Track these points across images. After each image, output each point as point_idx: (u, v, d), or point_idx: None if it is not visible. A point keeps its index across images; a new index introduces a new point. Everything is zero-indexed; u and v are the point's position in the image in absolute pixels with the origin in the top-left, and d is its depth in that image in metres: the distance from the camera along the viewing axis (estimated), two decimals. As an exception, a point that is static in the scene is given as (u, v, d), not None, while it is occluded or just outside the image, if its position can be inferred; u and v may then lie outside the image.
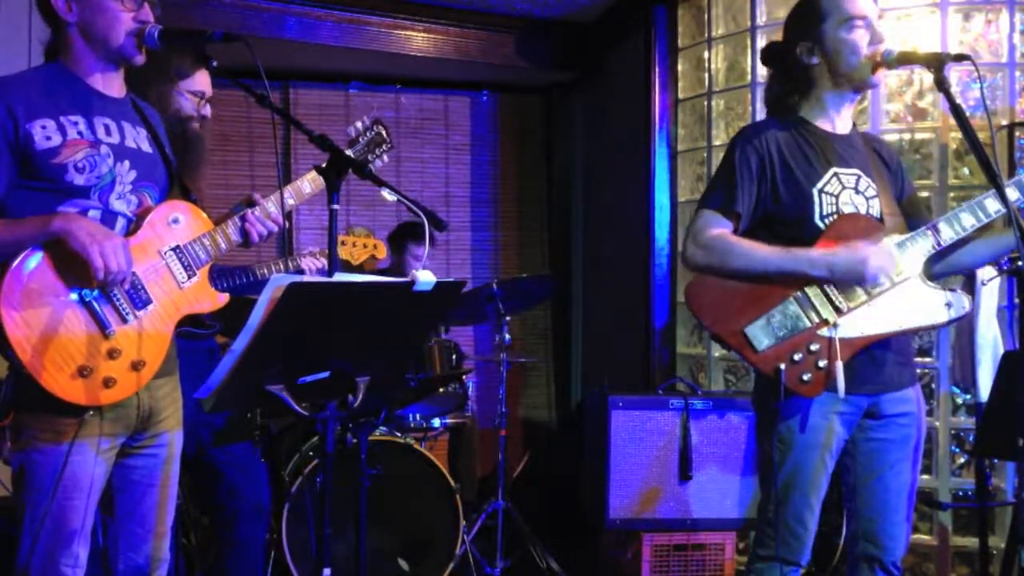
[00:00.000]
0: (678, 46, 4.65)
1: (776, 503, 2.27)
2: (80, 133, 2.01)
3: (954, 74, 3.66)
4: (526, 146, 5.97)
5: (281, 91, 5.42)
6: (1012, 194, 2.22)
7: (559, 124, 5.97)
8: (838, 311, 2.22)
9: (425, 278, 1.82)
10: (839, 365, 2.17)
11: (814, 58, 2.31)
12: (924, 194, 3.80)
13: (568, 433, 5.53)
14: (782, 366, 2.19)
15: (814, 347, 2.20)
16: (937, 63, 2.16)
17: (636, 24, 4.86)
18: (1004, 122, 3.66)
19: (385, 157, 2.47)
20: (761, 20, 4.16)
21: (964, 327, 3.42)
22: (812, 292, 2.22)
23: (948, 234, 2.25)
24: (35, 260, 1.91)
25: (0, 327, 1.85)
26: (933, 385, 3.81)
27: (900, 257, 2.23)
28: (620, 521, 3.69)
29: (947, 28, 3.77)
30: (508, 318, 4.13)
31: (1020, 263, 3.05)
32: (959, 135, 3.38)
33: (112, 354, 1.96)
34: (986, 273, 3.32)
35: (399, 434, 3.81)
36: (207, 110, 2.74)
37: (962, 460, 3.77)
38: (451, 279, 1.94)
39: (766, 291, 2.22)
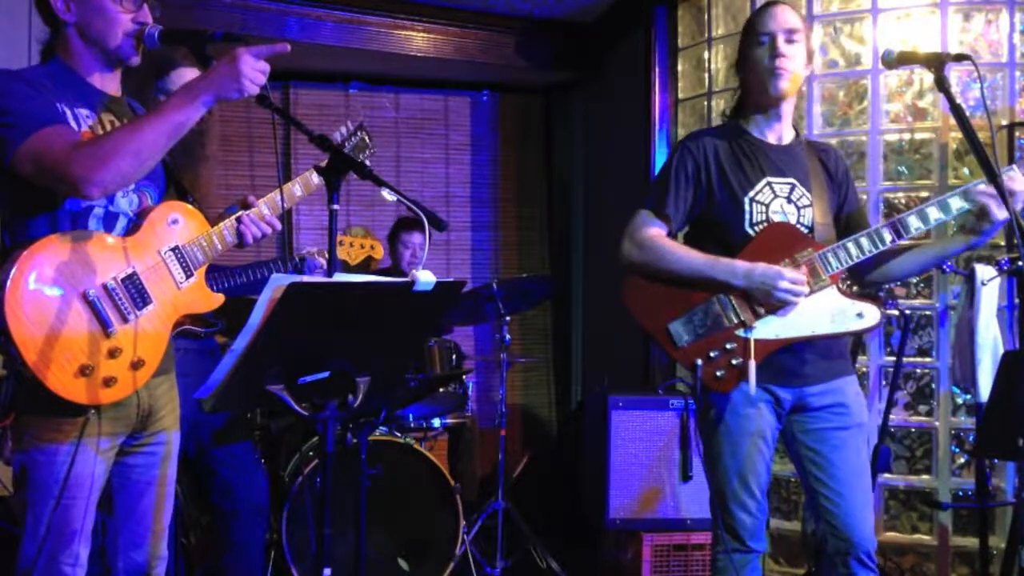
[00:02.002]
0: (678, 46, 4.65)
1: (717, 492, 2.39)
2: (91, 128, 2.00)
3: (954, 74, 3.66)
4: (526, 146, 5.97)
5: (281, 91, 5.42)
6: (956, 203, 2.34)
7: (559, 124, 5.97)
8: (755, 314, 2.33)
9: (425, 278, 1.82)
10: (752, 364, 2.29)
11: (742, 72, 2.49)
12: (924, 194, 3.81)
13: (568, 433, 5.53)
14: (699, 362, 2.33)
15: (730, 346, 2.34)
16: (937, 63, 2.17)
17: (636, 24, 4.86)
18: (1004, 122, 3.66)
19: (368, 162, 2.46)
20: (761, 20, 4.15)
21: (964, 327, 3.42)
22: (733, 295, 2.34)
23: (857, 252, 2.35)
24: (40, 258, 1.90)
25: (4, 325, 1.84)
26: (933, 385, 3.82)
27: (820, 271, 2.34)
28: (620, 521, 3.69)
29: (947, 28, 3.77)
30: (508, 318, 4.13)
31: (1020, 263, 3.06)
32: (959, 135, 3.39)
33: (113, 353, 1.96)
34: (986, 273, 3.33)
35: (399, 434, 3.81)
36: None
37: (962, 460, 3.77)
38: (451, 279, 1.95)
39: (691, 291, 2.36)
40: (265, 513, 3.08)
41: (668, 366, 4.60)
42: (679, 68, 4.66)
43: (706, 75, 4.45)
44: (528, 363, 5.72)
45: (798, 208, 2.40)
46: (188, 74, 2.67)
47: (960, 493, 3.75)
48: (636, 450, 3.69)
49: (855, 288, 2.52)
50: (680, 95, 4.66)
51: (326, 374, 1.87)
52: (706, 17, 4.42)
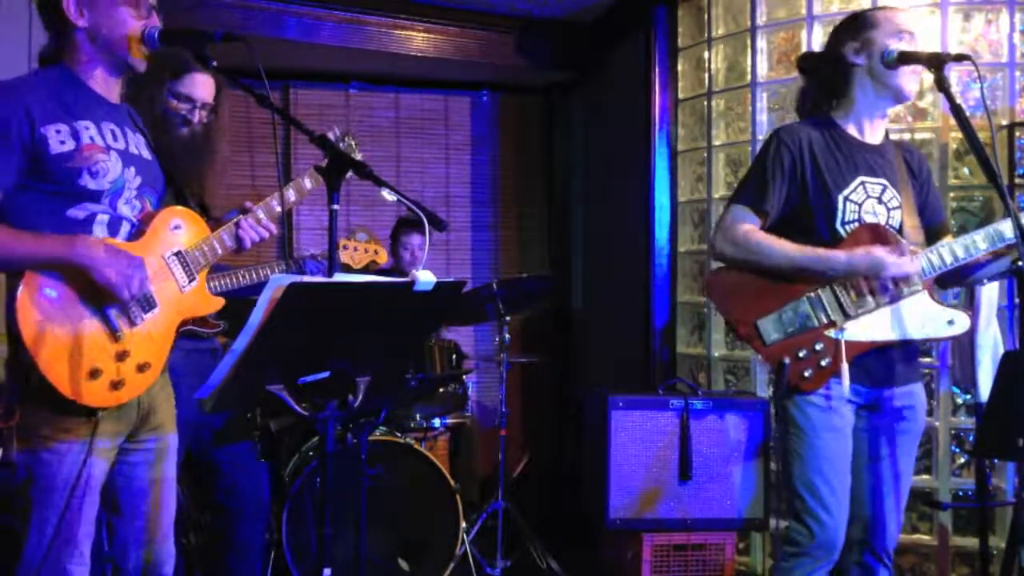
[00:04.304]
0: (678, 46, 4.65)
1: (801, 495, 2.33)
2: (92, 138, 2.02)
3: (954, 74, 3.66)
4: (526, 146, 5.97)
5: (281, 91, 5.42)
6: (1008, 231, 2.31)
7: (559, 124, 5.97)
8: (846, 315, 2.30)
9: (425, 278, 1.83)
10: (845, 367, 2.26)
11: (860, 58, 2.38)
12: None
13: (568, 433, 5.53)
14: (787, 360, 2.30)
15: (819, 346, 2.31)
16: (937, 63, 2.17)
17: (636, 24, 4.86)
18: (1004, 122, 3.66)
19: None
20: (761, 20, 4.16)
21: (964, 327, 3.42)
22: (824, 294, 2.31)
23: (958, 256, 2.33)
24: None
25: (17, 331, 1.87)
26: (933, 385, 3.81)
27: (914, 269, 2.30)
28: (620, 521, 3.69)
29: (947, 28, 3.77)
30: (508, 318, 4.13)
31: (1020, 263, 3.06)
32: (959, 135, 3.38)
33: (120, 356, 2.00)
34: (986, 273, 3.32)
35: (399, 434, 3.81)
36: (195, 115, 2.69)
37: (962, 460, 3.77)
38: (451, 279, 1.95)
39: (781, 288, 2.33)
40: (266, 513, 3.08)
41: (668, 366, 4.60)
42: (679, 68, 4.66)
43: (706, 75, 4.45)
44: (528, 363, 5.72)
45: (888, 210, 2.38)
46: (200, 78, 2.68)
47: (960, 493, 3.75)
48: (636, 450, 3.69)
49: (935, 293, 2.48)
50: (680, 95, 4.66)
51: (326, 374, 1.87)
52: (706, 17, 4.42)
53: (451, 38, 5.10)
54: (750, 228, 2.37)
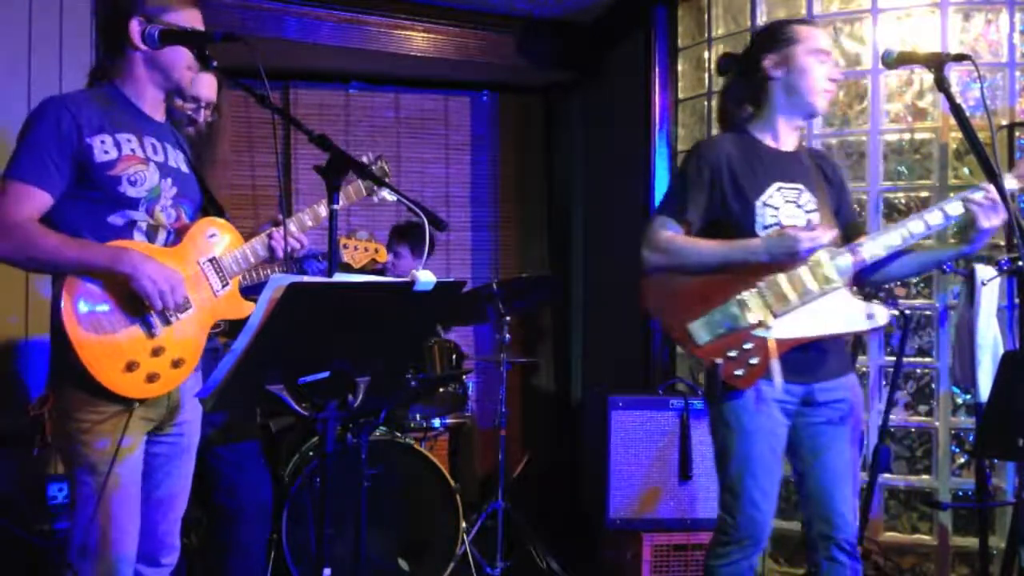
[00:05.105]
0: (678, 46, 4.65)
1: (731, 489, 2.46)
2: (133, 150, 2.17)
3: (954, 74, 3.66)
4: (526, 146, 5.96)
5: (281, 91, 5.41)
6: (955, 208, 2.41)
7: (559, 124, 5.97)
8: (772, 314, 2.40)
9: (425, 278, 1.83)
10: (776, 363, 2.36)
11: (779, 72, 2.50)
12: (924, 194, 3.81)
13: (568, 433, 5.53)
14: (719, 360, 2.40)
15: (748, 345, 2.40)
16: (937, 63, 2.18)
17: (636, 24, 4.86)
18: (1004, 122, 3.66)
19: (385, 194, 2.51)
20: (761, 20, 4.15)
21: (964, 327, 3.43)
22: (750, 296, 2.41)
23: (871, 252, 2.43)
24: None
25: (62, 328, 2.02)
26: (933, 385, 3.81)
27: (830, 266, 2.41)
28: (620, 521, 3.69)
29: (947, 28, 3.77)
30: (508, 318, 4.13)
31: (1020, 263, 3.06)
32: (959, 135, 3.39)
33: (156, 352, 2.14)
34: (986, 273, 3.33)
35: (399, 434, 3.81)
36: (200, 115, 2.75)
37: (962, 460, 3.77)
38: (451, 279, 1.95)
39: (710, 292, 2.44)
40: (268, 513, 3.08)
41: (668, 366, 4.60)
42: (679, 68, 4.66)
43: (706, 75, 4.45)
44: (528, 363, 5.72)
45: (805, 212, 2.48)
46: (206, 78, 2.74)
47: (960, 493, 3.75)
48: (636, 450, 3.69)
49: (853, 288, 2.56)
50: (680, 95, 4.66)
51: (326, 374, 1.88)
52: (706, 17, 4.42)
53: (451, 38, 5.10)
54: (671, 234, 2.49)
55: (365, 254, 3.23)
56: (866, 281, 2.60)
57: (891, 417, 3.57)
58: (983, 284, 3.33)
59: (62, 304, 2.04)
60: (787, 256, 2.36)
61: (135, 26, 2.16)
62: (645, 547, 3.67)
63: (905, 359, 3.64)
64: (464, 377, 4.14)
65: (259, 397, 1.83)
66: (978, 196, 2.36)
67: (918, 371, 3.85)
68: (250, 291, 2.78)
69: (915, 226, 2.43)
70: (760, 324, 2.40)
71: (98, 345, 2.05)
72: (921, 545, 3.80)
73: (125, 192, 2.14)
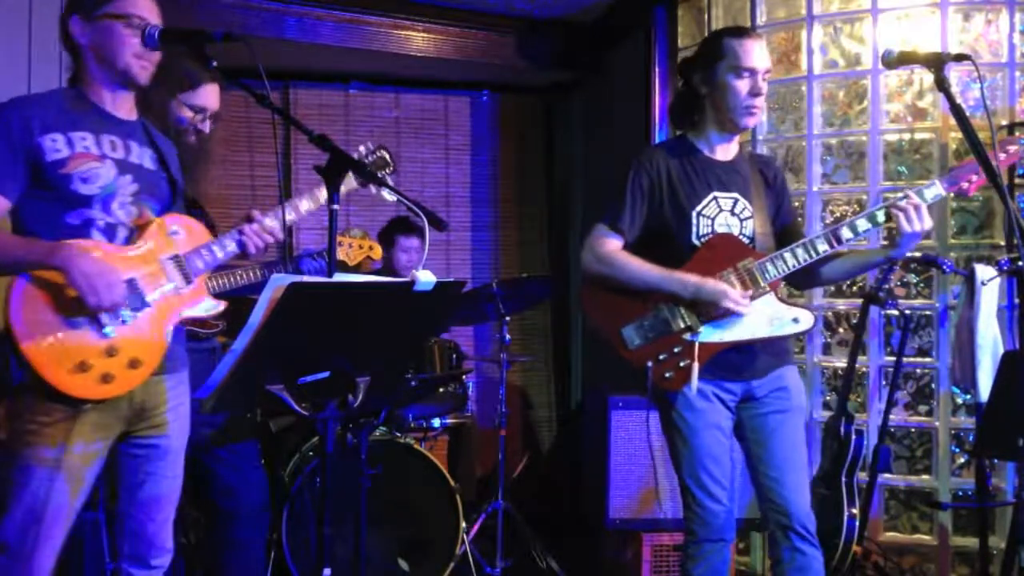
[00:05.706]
0: (678, 46, 4.64)
1: (688, 487, 2.53)
2: (87, 147, 2.14)
3: (954, 74, 3.66)
4: (526, 146, 5.96)
5: (281, 91, 5.41)
6: (881, 216, 2.49)
7: (559, 124, 5.97)
8: (701, 320, 2.49)
9: (425, 278, 1.83)
10: (695, 366, 2.45)
11: (704, 88, 2.59)
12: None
13: (568, 433, 5.53)
14: (649, 363, 2.49)
15: (677, 349, 2.49)
16: (937, 63, 2.18)
17: (636, 24, 4.86)
18: (1004, 122, 3.66)
19: (389, 180, 2.51)
20: (761, 20, 4.16)
21: (964, 327, 3.43)
22: (681, 302, 2.50)
23: (793, 262, 2.50)
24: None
25: (10, 327, 1.98)
26: (933, 385, 3.82)
27: (759, 279, 2.49)
28: (620, 521, 3.69)
29: (947, 28, 3.77)
30: (508, 318, 4.13)
31: (1020, 263, 3.06)
32: (959, 135, 3.38)
33: (110, 352, 2.07)
34: (986, 273, 3.33)
35: (399, 434, 3.81)
36: (206, 126, 2.74)
37: (962, 460, 3.77)
38: (451, 279, 1.95)
39: (642, 298, 2.53)
40: (266, 513, 3.07)
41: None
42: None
43: (706, 75, 4.44)
44: (528, 363, 5.72)
45: (741, 220, 2.57)
46: (211, 88, 2.72)
47: (960, 493, 3.75)
48: (636, 450, 3.69)
49: (791, 291, 2.63)
50: (680, 95, 4.66)
51: (326, 374, 1.88)
52: (706, 17, 4.42)
53: (451, 38, 5.10)
54: (614, 246, 2.56)
55: (360, 251, 3.23)
56: (801, 284, 2.78)
57: (891, 417, 3.57)
58: (983, 284, 3.33)
59: (10, 304, 2.00)
60: (709, 305, 2.46)
61: (74, 25, 2.14)
62: (645, 547, 3.66)
63: (905, 359, 3.64)
64: (464, 377, 4.14)
65: (259, 397, 1.83)
66: (903, 201, 2.44)
67: (918, 371, 3.86)
68: (249, 291, 2.79)
69: (861, 223, 2.49)
70: (688, 329, 2.49)
71: (46, 345, 2.00)
72: (921, 545, 3.80)
73: (78, 190, 2.10)
